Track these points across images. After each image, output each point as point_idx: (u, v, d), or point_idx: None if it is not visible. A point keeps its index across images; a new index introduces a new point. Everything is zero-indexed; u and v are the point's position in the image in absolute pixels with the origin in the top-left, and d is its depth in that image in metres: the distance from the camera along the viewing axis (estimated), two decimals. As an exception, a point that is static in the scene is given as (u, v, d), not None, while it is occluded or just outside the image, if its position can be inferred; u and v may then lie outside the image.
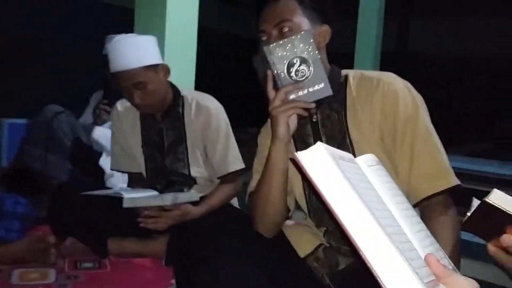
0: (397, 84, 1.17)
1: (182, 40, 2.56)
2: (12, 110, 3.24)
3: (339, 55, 1.52)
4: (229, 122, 1.94)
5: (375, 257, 0.60)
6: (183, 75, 2.13)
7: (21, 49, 4.07)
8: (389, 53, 5.85)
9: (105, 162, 2.40)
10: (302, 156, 0.68)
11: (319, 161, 0.67)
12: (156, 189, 1.91)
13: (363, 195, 0.65)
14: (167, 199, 1.77)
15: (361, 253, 0.60)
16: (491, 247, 0.80)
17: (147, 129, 1.96)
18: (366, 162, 0.79)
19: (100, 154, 2.44)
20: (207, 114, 1.89)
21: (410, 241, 0.68)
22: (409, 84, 1.19)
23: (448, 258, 0.77)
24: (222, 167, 1.91)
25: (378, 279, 0.59)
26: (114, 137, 2.04)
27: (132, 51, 1.75)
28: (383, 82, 1.17)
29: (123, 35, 1.80)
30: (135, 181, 2.06)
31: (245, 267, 1.02)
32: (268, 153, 1.18)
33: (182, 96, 1.93)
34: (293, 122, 1.15)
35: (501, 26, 6.76)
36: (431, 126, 1.17)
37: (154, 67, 1.79)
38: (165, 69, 1.86)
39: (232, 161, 1.91)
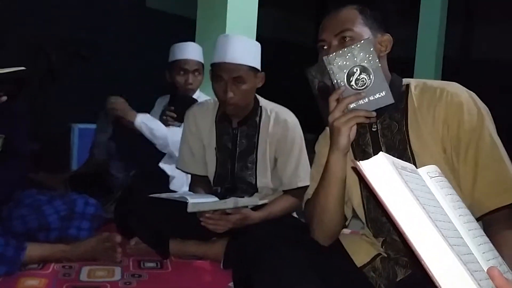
0: (461, 95, 1.15)
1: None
2: (81, 115, 3.43)
3: (398, 61, 1.51)
4: (303, 137, 1.97)
5: (437, 267, 0.60)
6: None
7: (88, 56, 4.30)
8: (451, 60, 5.66)
9: (166, 164, 2.50)
10: (364, 166, 0.70)
11: (381, 170, 0.69)
12: (216, 194, 1.96)
13: (426, 205, 0.66)
14: (229, 203, 1.82)
15: (422, 262, 0.61)
16: None
17: (221, 134, 2.01)
18: (429, 173, 0.79)
19: (161, 157, 2.53)
20: (285, 127, 1.92)
21: (472, 253, 0.68)
22: (474, 95, 1.17)
23: (511, 272, 0.76)
24: (291, 181, 1.93)
25: None
26: (185, 137, 2.10)
27: (245, 49, 1.84)
28: (447, 92, 1.15)
29: (234, 34, 1.91)
30: (198, 183, 2.12)
31: (305, 274, 1.03)
32: (326, 162, 1.19)
33: (261, 107, 1.99)
34: (353, 132, 1.15)
35: None
36: (497, 138, 1.14)
37: (255, 71, 1.87)
38: (262, 77, 1.93)
39: (302, 176, 1.92)
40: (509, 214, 1.11)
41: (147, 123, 2.43)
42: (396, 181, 0.67)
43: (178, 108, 2.49)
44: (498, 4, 6.55)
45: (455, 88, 1.17)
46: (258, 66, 1.89)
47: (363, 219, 1.30)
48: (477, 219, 1.08)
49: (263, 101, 2.01)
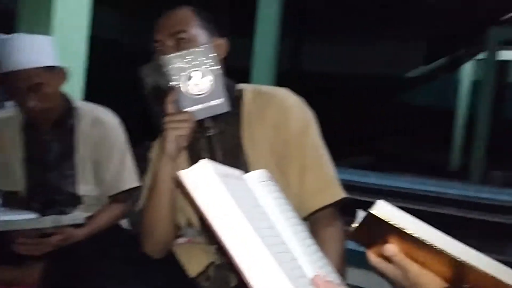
0: (289, 100, 1.20)
1: (70, 47, 2.41)
2: None
3: (235, 70, 1.53)
4: (126, 138, 1.83)
5: (258, 276, 0.59)
6: (69, 85, 1.98)
7: None
8: (284, 72, 6.08)
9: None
10: (186, 175, 0.65)
11: (203, 179, 0.65)
12: (34, 210, 1.74)
13: (249, 213, 0.64)
14: (47, 221, 1.61)
15: (241, 270, 0.60)
16: (373, 257, 0.83)
17: (29, 142, 1.77)
18: (258, 178, 0.78)
19: None
20: (103, 128, 1.76)
21: (296, 259, 0.69)
22: (301, 100, 1.23)
23: (336, 271, 0.79)
24: (115, 184, 1.78)
25: None
26: None
27: (29, 50, 1.59)
28: (276, 97, 1.20)
29: (16, 34, 1.65)
30: (9, 200, 1.85)
31: None
32: (156, 170, 1.14)
33: (75, 108, 1.81)
34: (185, 138, 1.12)
35: (386, 49, 7.38)
36: (321, 141, 1.21)
37: (51, 69, 1.65)
38: (63, 74, 1.72)
39: (127, 178, 1.79)
40: (331, 213, 1.19)
41: None
42: (219, 189, 0.64)
43: None
44: (326, 21, 7.27)
45: (284, 93, 1.23)
46: (55, 63, 1.68)
47: (198, 227, 1.26)
48: (304, 219, 1.14)
49: (77, 102, 1.83)
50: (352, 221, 0.84)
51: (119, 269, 1.02)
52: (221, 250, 0.61)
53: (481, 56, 6.32)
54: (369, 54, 7.50)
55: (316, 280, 0.66)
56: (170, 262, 1.20)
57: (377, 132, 7.37)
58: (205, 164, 0.67)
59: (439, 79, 7.94)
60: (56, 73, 1.68)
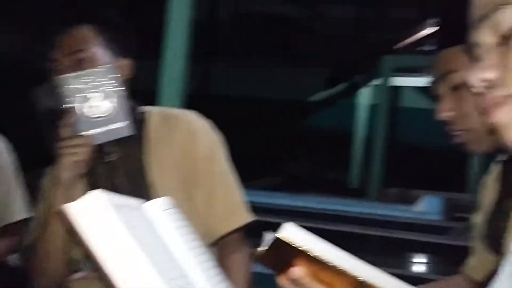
0: (197, 123, 1.19)
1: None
2: None
3: (142, 94, 1.49)
4: (15, 164, 1.68)
5: None
6: None
7: None
8: (193, 95, 6.08)
9: None
10: (71, 207, 0.60)
11: (93, 211, 0.60)
12: None
13: (144, 246, 0.61)
14: None
15: None
16: (281, 280, 0.84)
17: None
18: (161, 206, 0.75)
19: None
20: None
21: None
22: (209, 124, 1.22)
23: None
24: (1, 216, 1.61)
25: None
26: None
27: None
28: (184, 120, 1.18)
29: None
30: None
31: None
32: (49, 199, 1.07)
33: None
34: (81, 165, 1.05)
35: (290, 74, 7.69)
36: (228, 165, 1.21)
37: None
38: None
39: (16, 209, 1.63)
40: (238, 237, 1.19)
41: None
42: (111, 221, 0.60)
43: None
44: (233, 46, 7.41)
45: (191, 116, 1.21)
46: None
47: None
48: (213, 244, 1.12)
49: None
50: (259, 243, 0.85)
51: None
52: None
53: (376, 82, 6.81)
54: (274, 78, 7.75)
55: None
56: None
57: (283, 154, 7.59)
58: (96, 195, 0.62)
59: (338, 104, 8.41)
60: None
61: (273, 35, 7.36)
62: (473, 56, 0.54)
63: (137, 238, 0.61)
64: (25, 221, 1.62)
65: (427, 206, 3.73)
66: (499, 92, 0.49)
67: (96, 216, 0.60)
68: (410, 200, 4.27)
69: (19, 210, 1.64)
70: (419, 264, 2.48)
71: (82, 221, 0.59)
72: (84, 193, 1.09)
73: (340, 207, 3.78)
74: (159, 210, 0.74)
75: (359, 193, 5.54)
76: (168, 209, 0.76)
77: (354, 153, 7.00)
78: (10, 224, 1.62)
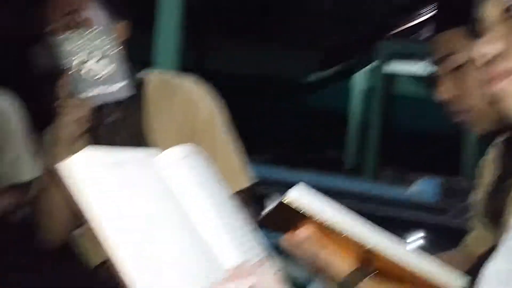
0: (198, 88, 1.19)
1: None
2: None
3: (137, 64, 1.48)
4: (24, 125, 1.71)
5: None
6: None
7: None
8: (188, 70, 6.05)
9: None
10: (64, 165, 0.57)
11: (82, 169, 0.57)
12: None
13: (138, 202, 0.58)
14: None
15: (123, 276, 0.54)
16: (286, 242, 0.84)
17: None
18: (176, 154, 0.71)
19: None
20: (1, 113, 1.64)
21: (209, 251, 0.63)
22: (210, 89, 1.22)
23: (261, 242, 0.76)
24: (11, 175, 1.66)
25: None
26: None
27: None
28: (185, 85, 1.19)
29: None
30: None
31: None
32: (51, 157, 1.07)
33: None
34: (81, 124, 1.06)
35: (287, 54, 7.66)
36: (229, 130, 1.21)
37: None
38: None
39: (24, 169, 1.67)
40: (243, 199, 1.16)
41: None
42: (103, 179, 0.57)
43: None
44: (229, 22, 7.35)
45: (192, 81, 1.22)
46: None
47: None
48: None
49: None
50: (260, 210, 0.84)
51: (11, 260, 0.92)
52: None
53: (371, 66, 6.79)
54: (271, 57, 7.72)
55: (230, 273, 0.62)
56: (69, 252, 1.14)
57: (278, 132, 7.61)
58: (90, 151, 0.59)
59: (334, 85, 8.41)
60: None
61: (269, 14, 7.31)
62: (476, 32, 0.54)
63: (129, 196, 0.58)
64: (33, 180, 1.66)
65: (423, 188, 3.76)
66: (503, 65, 0.50)
67: (88, 173, 0.57)
68: (405, 183, 4.30)
69: (27, 170, 1.67)
70: (413, 243, 2.50)
71: (75, 177, 0.56)
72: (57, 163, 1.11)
73: (335, 183, 3.79)
74: (176, 158, 0.70)
75: (354, 173, 5.57)
76: (186, 157, 0.72)
77: (349, 136, 7.02)
78: (19, 183, 1.65)
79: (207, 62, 7.98)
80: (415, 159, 6.08)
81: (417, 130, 7.49)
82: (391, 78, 7.31)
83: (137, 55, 1.22)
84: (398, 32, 6.25)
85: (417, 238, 2.60)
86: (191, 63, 7.52)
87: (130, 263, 0.54)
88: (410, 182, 4.15)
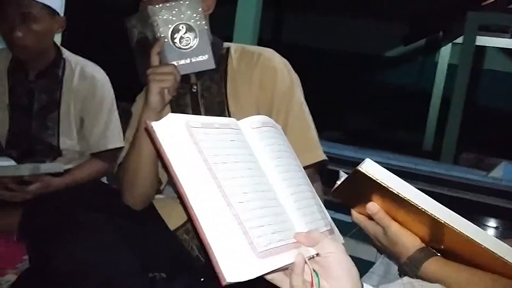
0: (276, 60, 1.21)
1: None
2: None
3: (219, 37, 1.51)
4: (114, 96, 1.79)
5: (210, 226, 0.58)
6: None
7: None
8: (265, 42, 6.04)
9: None
10: (155, 126, 0.62)
11: (171, 131, 0.62)
12: (12, 157, 1.69)
13: (216, 164, 0.62)
14: (26, 169, 1.57)
15: (195, 221, 0.58)
16: (356, 214, 0.85)
17: (15, 87, 1.69)
18: (251, 124, 0.77)
19: None
20: (92, 83, 1.71)
21: (282, 213, 0.67)
22: (287, 62, 1.23)
23: (327, 216, 0.79)
24: (99, 142, 1.74)
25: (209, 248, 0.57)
26: None
27: None
28: (263, 57, 1.20)
29: None
30: None
31: (106, 241, 0.97)
32: (139, 122, 1.13)
33: (64, 59, 1.74)
34: (170, 91, 1.10)
35: (367, 27, 7.38)
36: (304, 104, 1.22)
37: (52, 12, 1.58)
38: (61, 22, 1.65)
39: (112, 137, 1.75)
40: (312, 172, 1.20)
41: None
42: (184, 141, 0.62)
43: None
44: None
45: (271, 54, 1.23)
46: (58, 9, 1.63)
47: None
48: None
49: (67, 53, 1.77)
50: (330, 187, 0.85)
51: (98, 219, 1.00)
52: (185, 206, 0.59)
53: (459, 40, 6.36)
54: (350, 30, 7.49)
55: (299, 238, 0.65)
56: (151, 214, 1.20)
57: (352, 109, 7.43)
58: (176, 116, 0.64)
59: (417, 61, 8.01)
60: (55, 18, 1.62)
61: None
62: None
63: (210, 159, 0.62)
64: (118, 149, 1.72)
65: (503, 173, 3.55)
66: None
67: (174, 135, 0.62)
68: (485, 167, 4.07)
69: (114, 139, 1.75)
70: (490, 228, 2.38)
71: (163, 139, 0.61)
72: (145, 120, 1.17)
73: (409, 165, 3.67)
74: (248, 127, 0.76)
75: (432, 156, 5.33)
76: (259, 127, 0.76)
77: (430, 114, 6.69)
78: (107, 151, 1.74)
79: (285, 35, 7.91)
80: (497, 142, 5.68)
81: (504, 110, 6.99)
82: (481, 52, 6.80)
83: (218, 29, 1.25)
84: (490, 2, 5.74)
85: (493, 224, 2.48)
86: (269, 36, 7.52)
87: (211, 220, 0.58)
88: (490, 166, 3.93)
